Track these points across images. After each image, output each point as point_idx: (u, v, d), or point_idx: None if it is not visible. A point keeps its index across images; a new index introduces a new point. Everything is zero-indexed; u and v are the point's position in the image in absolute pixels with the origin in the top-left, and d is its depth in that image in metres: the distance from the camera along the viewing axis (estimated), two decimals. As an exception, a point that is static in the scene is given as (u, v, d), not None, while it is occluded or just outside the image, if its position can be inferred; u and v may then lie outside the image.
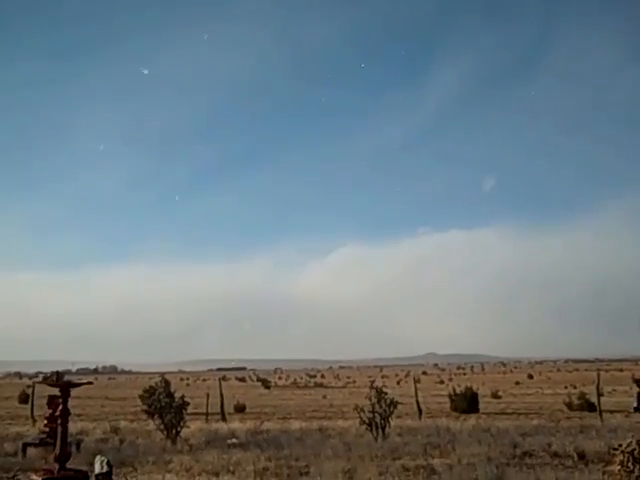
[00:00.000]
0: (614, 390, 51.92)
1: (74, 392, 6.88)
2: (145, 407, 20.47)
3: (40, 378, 32.79)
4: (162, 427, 18.76)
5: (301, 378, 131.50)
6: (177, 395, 19.59)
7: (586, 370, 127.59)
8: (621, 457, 10.66)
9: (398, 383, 79.23)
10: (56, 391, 6.61)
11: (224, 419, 27.85)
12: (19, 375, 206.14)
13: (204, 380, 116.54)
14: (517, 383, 79.42)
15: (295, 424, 23.86)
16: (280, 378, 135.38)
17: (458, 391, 35.57)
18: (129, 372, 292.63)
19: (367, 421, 18.33)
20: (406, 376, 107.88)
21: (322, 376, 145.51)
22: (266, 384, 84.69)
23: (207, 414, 27.86)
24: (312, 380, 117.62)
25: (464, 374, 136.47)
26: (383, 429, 18.24)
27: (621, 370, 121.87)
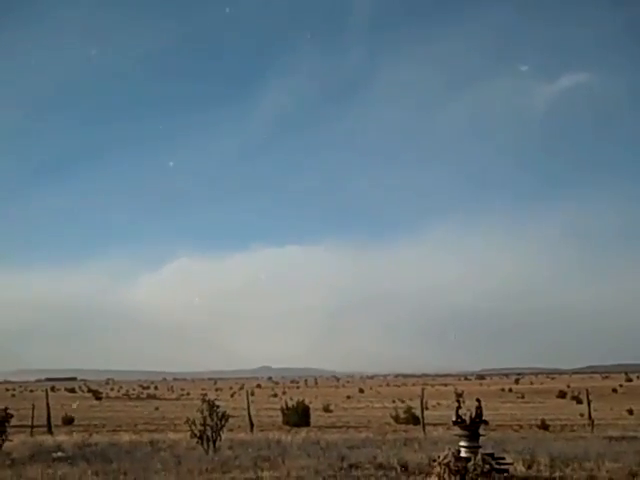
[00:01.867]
0: (438, 404, 54.64)
1: None
2: (-37, 419, 19.46)
3: None
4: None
5: (134, 389, 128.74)
6: (2, 405, 18.79)
7: (413, 385, 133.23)
8: (438, 469, 11.34)
9: (232, 396, 79.29)
10: None
11: (50, 431, 26.86)
12: None
13: (31, 391, 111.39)
14: (348, 397, 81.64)
15: (125, 437, 23.43)
16: (112, 389, 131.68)
17: (290, 405, 36.15)
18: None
19: (198, 434, 18.27)
20: (240, 389, 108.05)
21: (155, 388, 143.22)
22: (97, 395, 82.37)
23: (32, 426, 26.78)
24: (145, 392, 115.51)
25: (298, 387, 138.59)
26: (214, 442, 18.24)
27: (445, 385, 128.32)
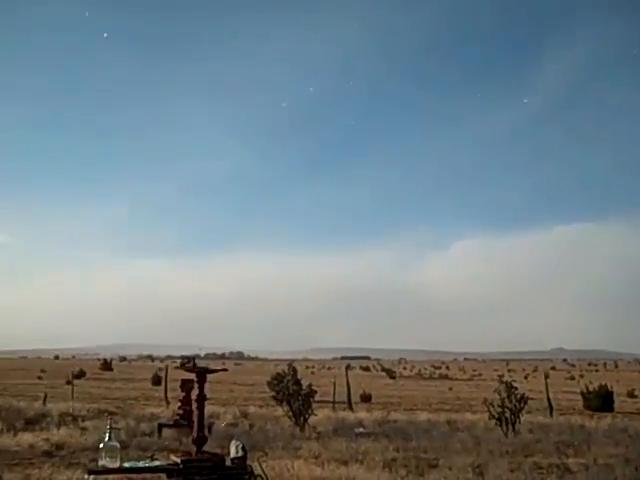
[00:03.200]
0: None
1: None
2: (273, 393, 20.84)
3: (170, 362, 34.10)
4: (290, 414, 19.04)
5: (426, 369, 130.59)
6: (304, 383, 19.82)
7: None
8: None
9: (526, 378, 77.21)
10: (189, 375, 6.76)
11: (351, 408, 27.95)
12: (151, 358, 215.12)
13: (329, 368, 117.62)
14: (655, 382, 75.78)
15: (422, 415, 23.68)
16: (404, 368, 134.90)
17: (591, 388, 34.24)
18: (255, 358, 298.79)
19: (496, 416, 17.94)
20: (534, 371, 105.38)
21: (447, 368, 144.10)
22: (391, 374, 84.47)
23: (334, 402, 28.03)
24: (437, 371, 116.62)
25: (596, 370, 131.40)
26: (513, 425, 17.80)
27: None
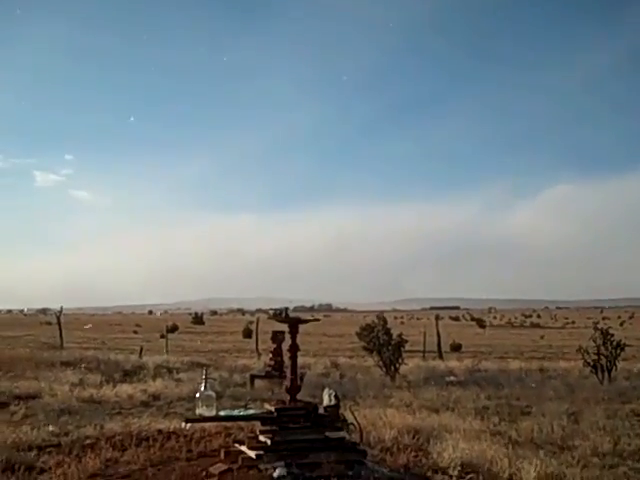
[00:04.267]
0: None
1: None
2: (364, 344, 21.01)
3: (261, 315, 34.74)
4: (381, 364, 19.16)
5: (516, 318, 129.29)
6: (393, 333, 19.89)
7: None
8: None
9: (621, 325, 75.53)
10: (279, 327, 6.82)
11: (441, 357, 27.98)
12: (241, 311, 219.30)
13: (418, 319, 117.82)
14: None
15: (513, 364, 23.49)
16: (494, 318, 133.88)
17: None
18: (344, 310, 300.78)
19: (591, 363, 17.61)
20: (630, 317, 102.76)
21: (538, 316, 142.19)
22: (481, 323, 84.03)
23: (424, 352, 28.10)
24: (528, 320, 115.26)
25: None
26: (609, 372, 17.45)
27: None
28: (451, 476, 5.57)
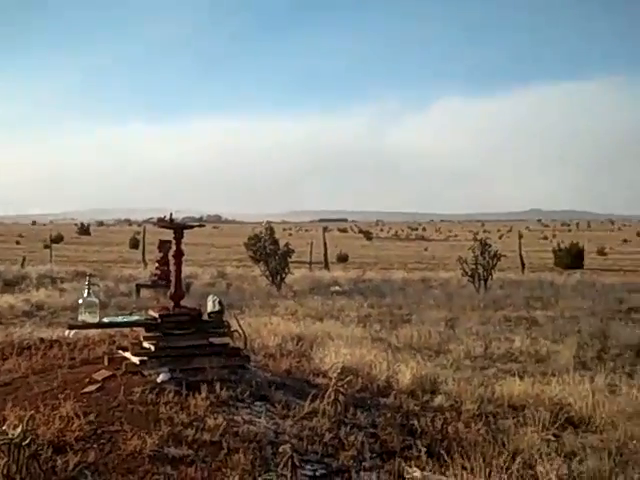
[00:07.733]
0: None
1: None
2: (251, 254, 21.10)
3: (148, 225, 34.17)
4: (267, 273, 19.31)
5: (402, 230, 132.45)
6: (281, 243, 20.04)
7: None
8: None
9: (500, 238, 78.61)
10: (166, 236, 6.73)
11: (327, 268, 28.42)
12: (129, 222, 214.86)
13: (306, 230, 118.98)
14: (625, 241, 77.47)
15: (397, 274, 24.17)
16: (381, 230, 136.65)
17: (562, 246, 35.05)
18: (233, 222, 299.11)
19: (469, 272, 18.38)
20: (509, 231, 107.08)
21: (423, 229, 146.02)
22: (368, 235, 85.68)
23: (310, 263, 28.46)
24: (413, 233, 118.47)
25: (569, 231, 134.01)
26: (485, 281, 18.27)
27: None
28: (330, 378, 5.77)
